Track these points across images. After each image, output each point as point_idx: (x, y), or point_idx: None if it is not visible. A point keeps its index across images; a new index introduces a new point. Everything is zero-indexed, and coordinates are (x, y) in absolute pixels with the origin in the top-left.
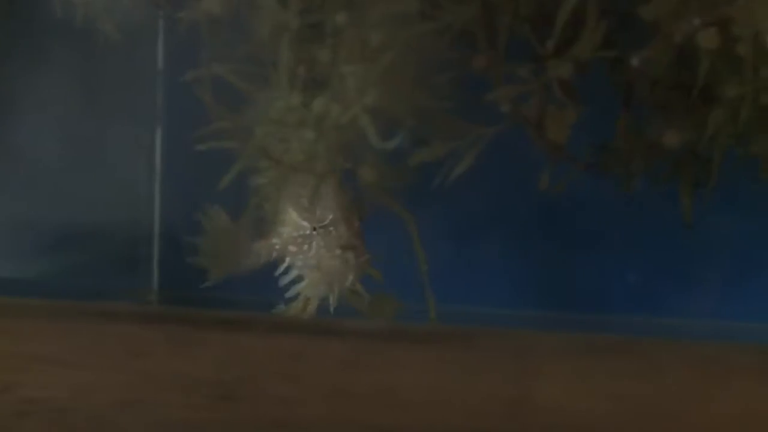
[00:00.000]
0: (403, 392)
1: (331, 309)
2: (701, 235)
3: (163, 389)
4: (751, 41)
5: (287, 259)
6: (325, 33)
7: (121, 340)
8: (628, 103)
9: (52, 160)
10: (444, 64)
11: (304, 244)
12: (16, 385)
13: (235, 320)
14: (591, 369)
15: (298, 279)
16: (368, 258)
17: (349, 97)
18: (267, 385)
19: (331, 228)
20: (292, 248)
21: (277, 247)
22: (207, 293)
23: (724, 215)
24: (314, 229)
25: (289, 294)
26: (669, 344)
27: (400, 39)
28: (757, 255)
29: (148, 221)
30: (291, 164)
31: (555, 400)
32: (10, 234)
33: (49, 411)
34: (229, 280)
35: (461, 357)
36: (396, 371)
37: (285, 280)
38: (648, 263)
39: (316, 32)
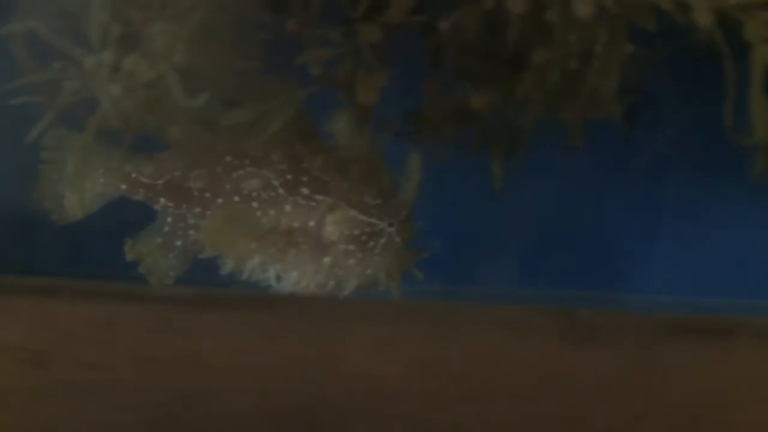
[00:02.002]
0: (208, 356)
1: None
2: (511, 203)
3: None
4: (559, 7)
5: (327, 260)
6: None
7: None
8: (436, 68)
9: None
10: (256, 26)
11: (370, 242)
12: None
13: (43, 287)
14: (392, 333)
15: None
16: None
17: (158, 55)
18: (75, 351)
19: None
20: (350, 247)
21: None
22: None
23: (534, 183)
24: (391, 225)
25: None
26: (469, 308)
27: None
28: (564, 223)
29: None
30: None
31: (356, 363)
32: None
33: None
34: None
35: (264, 322)
36: (202, 336)
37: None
38: (456, 231)
39: None
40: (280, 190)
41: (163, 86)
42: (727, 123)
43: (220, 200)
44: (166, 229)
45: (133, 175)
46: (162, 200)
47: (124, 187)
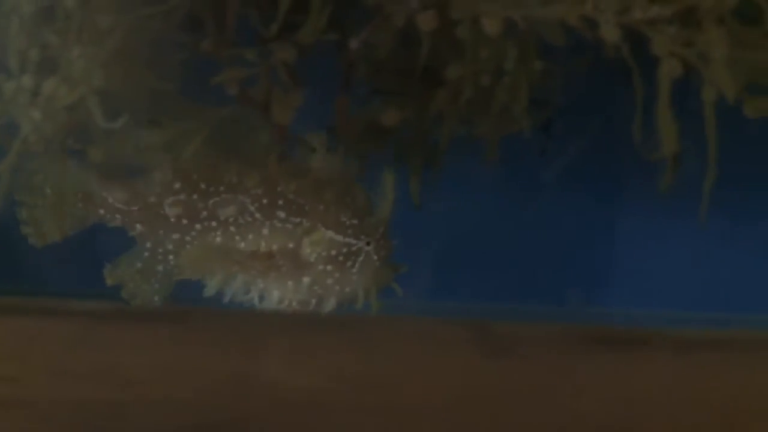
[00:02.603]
0: (125, 370)
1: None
2: (430, 217)
3: None
4: (469, 24)
5: (306, 280)
6: (56, 16)
7: None
8: (348, 86)
9: None
10: (173, 47)
11: (348, 261)
12: None
13: None
14: (308, 345)
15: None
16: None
17: (77, 78)
18: None
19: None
20: (329, 267)
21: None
22: None
23: (453, 197)
24: (368, 243)
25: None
26: (386, 320)
27: (127, 22)
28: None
29: None
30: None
31: (273, 375)
32: None
33: None
34: None
35: (182, 335)
36: (119, 350)
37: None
38: None
39: (47, 15)
40: (257, 215)
41: (83, 109)
42: (636, 137)
43: (198, 226)
44: (146, 254)
45: (110, 200)
46: (138, 226)
47: (101, 212)
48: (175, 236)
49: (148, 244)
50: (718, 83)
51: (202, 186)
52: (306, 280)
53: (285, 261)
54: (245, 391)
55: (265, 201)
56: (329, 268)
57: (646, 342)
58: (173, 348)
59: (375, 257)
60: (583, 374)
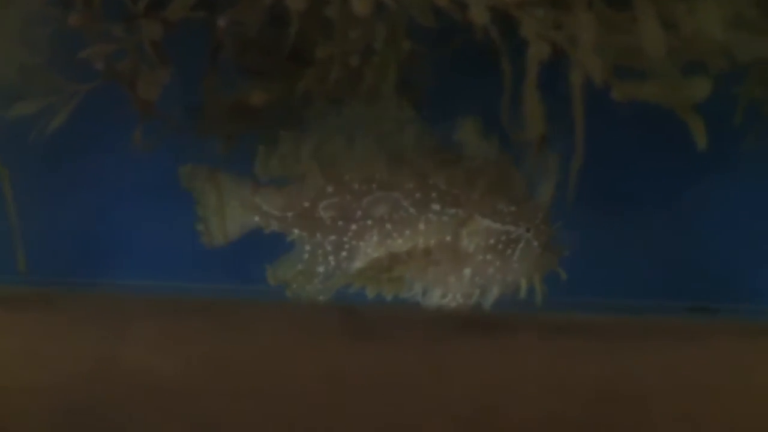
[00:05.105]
0: None
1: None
2: None
3: None
4: (338, 4)
5: (468, 271)
6: None
7: None
8: (214, 64)
9: None
10: (42, 21)
11: (508, 249)
12: None
13: None
14: (173, 329)
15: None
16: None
17: None
18: None
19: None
20: (489, 257)
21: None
22: None
23: None
24: (528, 230)
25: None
26: (252, 304)
27: None
28: None
29: None
30: None
31: (139, 360)
32: None
33: None
34: None
35: (49, 320)
36: None
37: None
38: None
39: None
40: (411, 210)
41: None
42: (503, 118)
43: (353, 226)
44: (306, 256)
45: (264, 207)
46: (296, 231)
47: (256, 218)
48: (332, 237)
49: (307, 247)
50: (586, 66)
51: (355, 186)
52: (467, 271)
53: (443, 254)
54: (113, 375)
55: (417, 195)
56: (489, 257)
57: (512, 326)
58: (40, 332)
59: (536, 243)
60: (451, 358)
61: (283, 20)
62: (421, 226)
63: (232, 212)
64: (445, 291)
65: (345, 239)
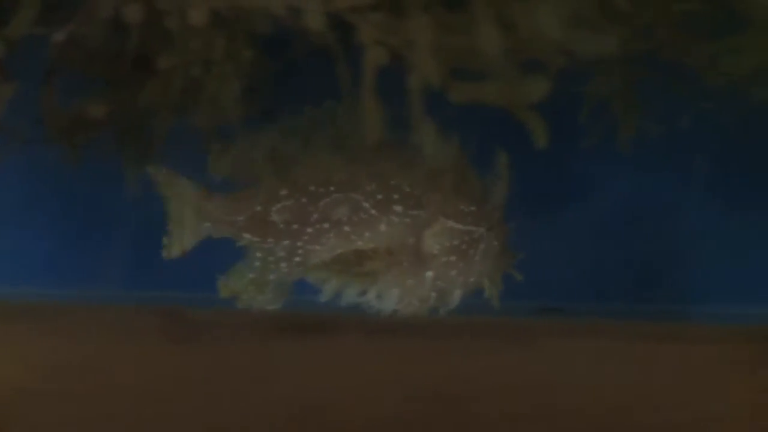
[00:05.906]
0: None
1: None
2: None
3: None
4: (178, 16)
5: (430, 274)
6: None
7: None
8: (52, 77)
9: None
10: None
11: (470, 250)
12: None
13: None
14: (7, 333)
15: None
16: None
17: None
18: None
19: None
20: (452, 258)
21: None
22: None
23: None
24: (489, 229)
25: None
26: (77, 308)
27: None
28: None
29: None
30: None
31: None
32: None
33: None
34: None
35: None
36: None
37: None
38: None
39: None
40: (372, 211)
41: None
42: (341, 124)
43: (309, 230)
44: (257, 264)
45: (215, 213)
46: (246, 236)
47: (207, 224)
48: (285, 242)
49: (258, 254)
50: (423, 69)
51: (311, 188)
52: (429, 274)
53: (405, 257)
54: None
55: (379, 197)
56: (453, 258)
57: (336, 327)
58: None
59: (495, 243)
60: (275, 359)
61: (125, 31)
62: (383, 228)
63: (189, 221)
64: (402, 295)
65: (299, 243)
